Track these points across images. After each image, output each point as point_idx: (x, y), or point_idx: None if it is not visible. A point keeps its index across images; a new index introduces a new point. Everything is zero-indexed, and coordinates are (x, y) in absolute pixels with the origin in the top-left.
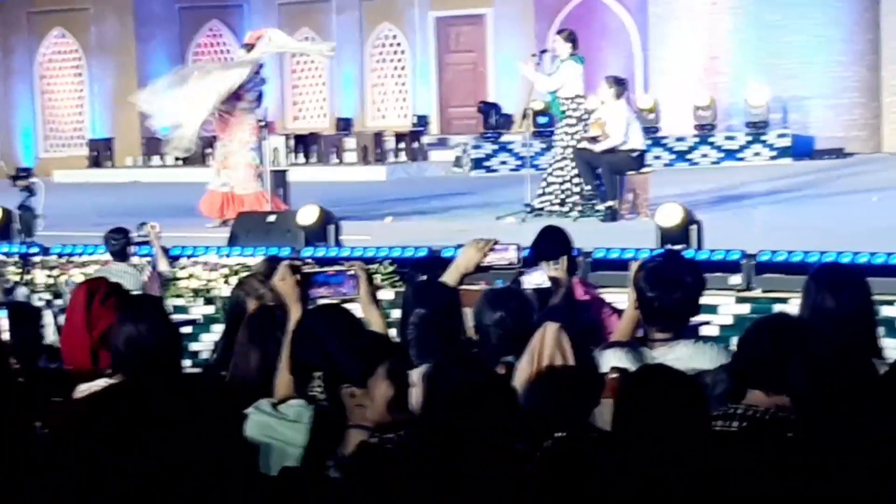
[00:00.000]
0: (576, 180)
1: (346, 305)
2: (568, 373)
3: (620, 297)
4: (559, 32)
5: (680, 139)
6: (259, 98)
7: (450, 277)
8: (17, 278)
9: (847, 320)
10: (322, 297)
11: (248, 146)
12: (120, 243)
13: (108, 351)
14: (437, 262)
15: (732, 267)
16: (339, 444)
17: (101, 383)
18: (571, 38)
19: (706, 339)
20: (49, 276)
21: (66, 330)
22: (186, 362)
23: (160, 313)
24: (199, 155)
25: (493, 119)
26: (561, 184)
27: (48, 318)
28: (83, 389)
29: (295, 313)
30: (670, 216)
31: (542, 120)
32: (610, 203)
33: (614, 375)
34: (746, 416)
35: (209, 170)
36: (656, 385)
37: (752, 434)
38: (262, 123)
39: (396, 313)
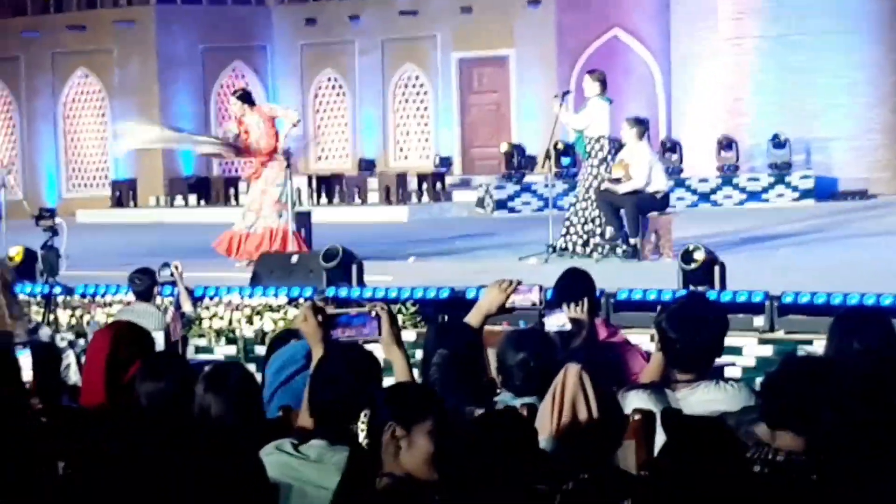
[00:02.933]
0: (598, 221)
1: (369, 347)
2: (590, 414)
3: (643, 338)
4: (590, 72)
5: (703, 180)
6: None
7: (473, 318)
8: (41, 318)
9: (872, 362)
10: (345, 338)
11: (276, 183)
12: (145, 284)
13: (129, 397)
14: (459, 302)
15: (756, 308)
16: (368, 491)
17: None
18: (601, 79)
19: (729, 380)
20: (72, 316)
21: (86, 371)
22: None
23: (182, 370)
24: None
25: (516, 160)
26: (583, 224)
27: (71, 358)
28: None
29: (317, 354)
30: (693, 257)
31: (564, 161)
32: (632, 244)
33: (637, 417)
34: (774, 460)
35: (234, 209)
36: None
37: (779, 477)
38: (287, 161)
39: (419, 354)
